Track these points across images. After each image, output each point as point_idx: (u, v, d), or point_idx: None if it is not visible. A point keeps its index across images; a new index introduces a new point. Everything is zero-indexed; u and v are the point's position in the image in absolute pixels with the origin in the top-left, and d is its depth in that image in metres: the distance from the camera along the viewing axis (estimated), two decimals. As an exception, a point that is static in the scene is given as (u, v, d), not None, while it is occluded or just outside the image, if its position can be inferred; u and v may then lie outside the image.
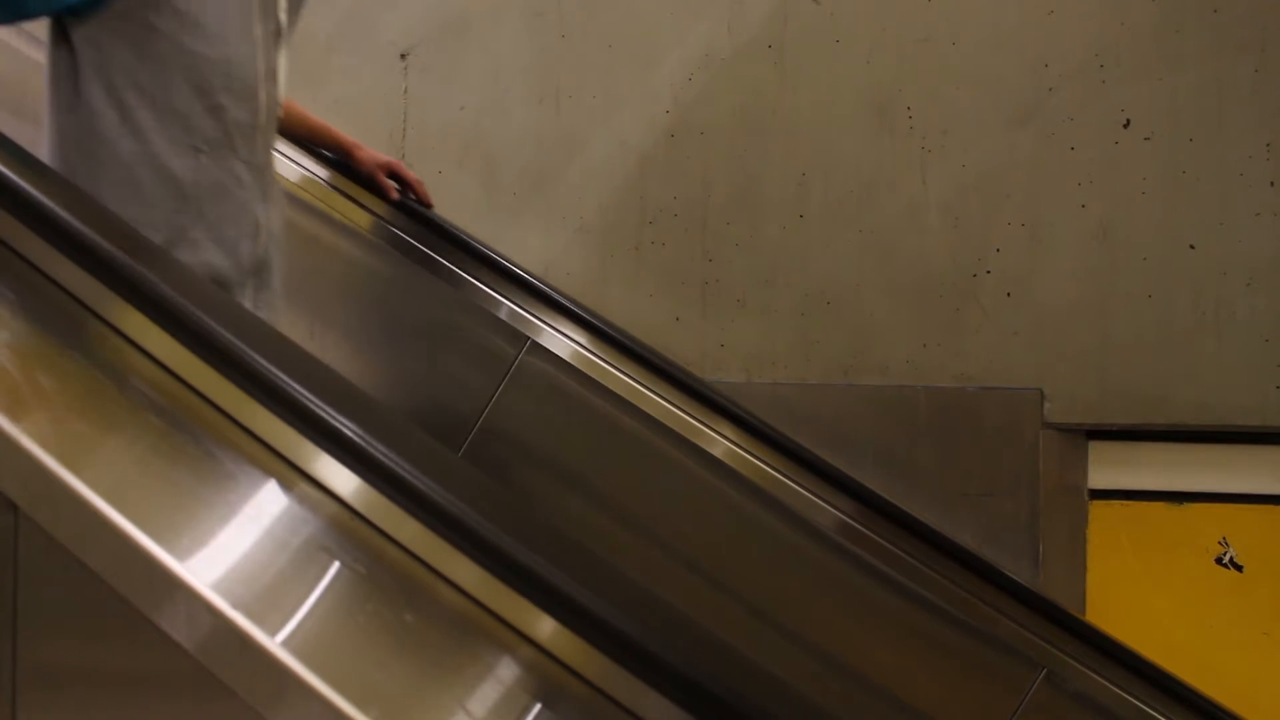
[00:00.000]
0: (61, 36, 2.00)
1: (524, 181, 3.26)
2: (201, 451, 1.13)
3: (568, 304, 3.00)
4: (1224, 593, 2.66)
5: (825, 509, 2.72)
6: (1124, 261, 2.69)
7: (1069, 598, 2.69)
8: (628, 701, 1.03)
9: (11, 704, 1.10)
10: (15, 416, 1.06)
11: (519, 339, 3.04)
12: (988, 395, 2.76)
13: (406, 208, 3.12)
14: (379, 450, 1.10)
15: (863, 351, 2.86)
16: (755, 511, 2.80)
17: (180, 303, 1.14)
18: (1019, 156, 2.77)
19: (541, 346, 3.00)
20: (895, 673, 2.69)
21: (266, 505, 1.11)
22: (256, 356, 1.14)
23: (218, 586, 0.98)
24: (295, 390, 1.13)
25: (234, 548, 1.05)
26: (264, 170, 2.18)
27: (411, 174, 2.83)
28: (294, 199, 3.34)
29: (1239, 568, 2.65)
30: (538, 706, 1.05)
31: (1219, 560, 2.66)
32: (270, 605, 1.00)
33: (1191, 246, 2.63)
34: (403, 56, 3.42)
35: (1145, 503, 2.74)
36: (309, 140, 2.89)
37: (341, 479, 1.11)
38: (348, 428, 1.12)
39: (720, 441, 2.84)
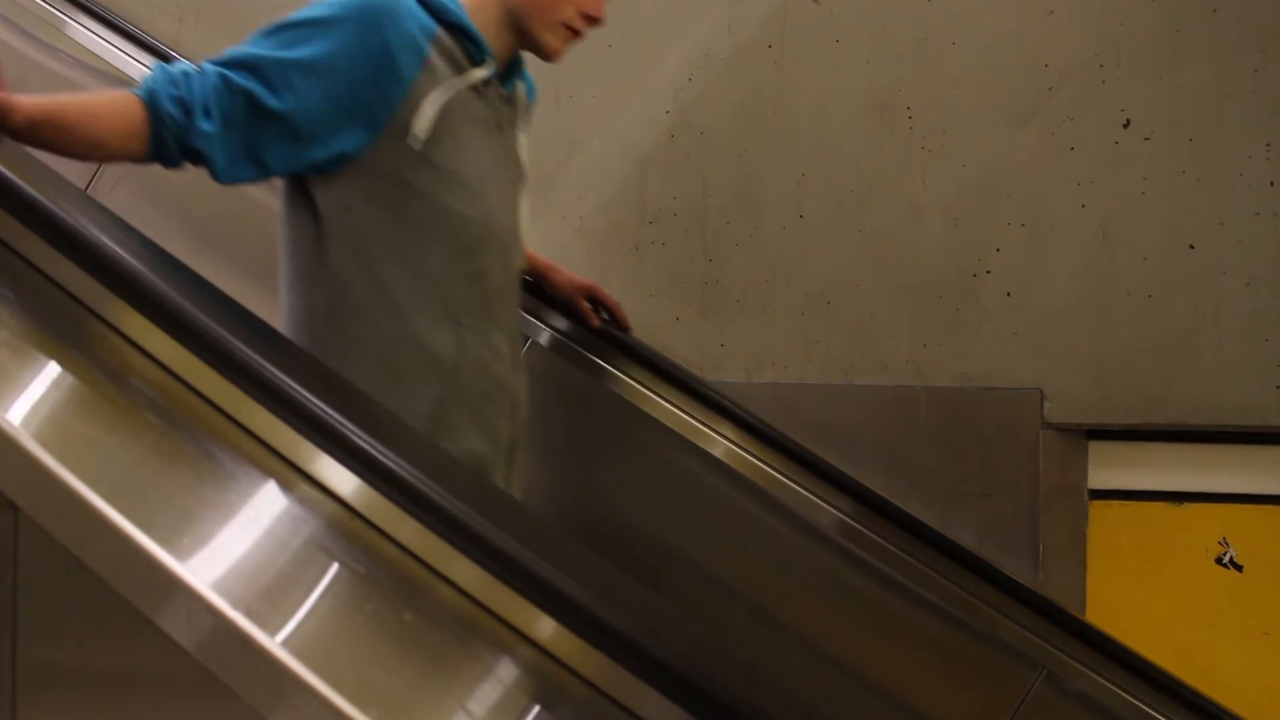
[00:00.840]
0: (302, 197, 1.79)
1: (524, 181, 3.25)
2: (201, 451, 1.13)
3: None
4: (1224, 593, 2.66)
5: (825, 509, 2.72)
6: (1124, 261, 2.69)
7: (1069, 598, 2.69)
8: (628, 701, 1.04)
9: (11, 704, 1.10)
10: (15, 416, 1.06)
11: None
12: (988, 395, 2.76)
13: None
14: (378, 450, 1.10)
15: (863, 351, 2.86)
16: (755, 511, 2.80)
17: (180, 304, 1.15)
18: (1019, 156, 2.77)
19: (541, 346, 3.01)
20: (895, 672, 2.69)
21: (266, 505, 1.11)
22: (256, 357, 1.14)
23: (218, 586, 0.98)
24: (295, 390, 1.14)
25: (234, 548, 1.05)
26: (516, 335, 1.97)
27: (610, 296, 2.60)
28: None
29: (1239, 568, 2.65)
30: (537, 707, 1.05)
31: (1219, 560, 2.66)
32: (270, 605, 1.00)
33: (1191, 246, 2.63)
34: (403, 56, 3.41)
35: (1145, 503, 2.74)
36: None
37: (341, 479, 1.11)
38: (347, 428, 1.12)
39: (720, 441, 2.84)
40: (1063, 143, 2.73)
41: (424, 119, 1.73)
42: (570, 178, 3.20)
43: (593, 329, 2.64)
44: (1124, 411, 2.68)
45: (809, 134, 2.95)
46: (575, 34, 1.96)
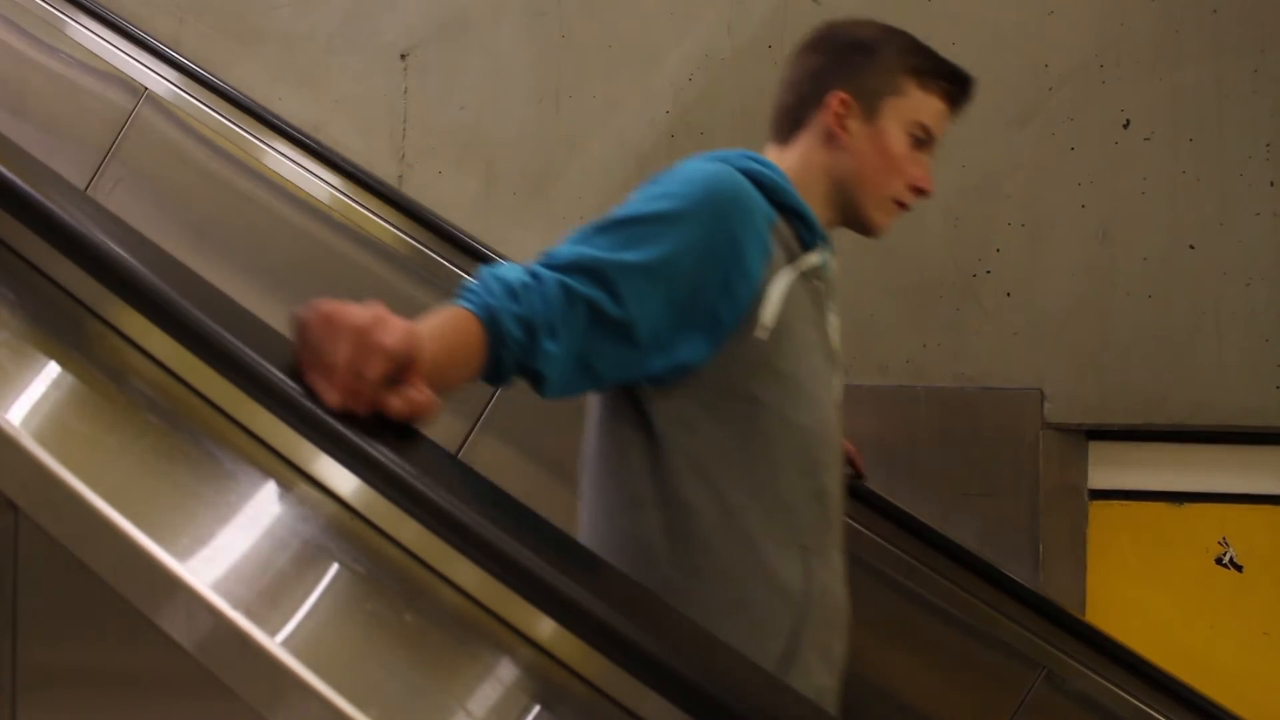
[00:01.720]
0: (631, 411, 1.57)
1: (524, 181, 3.26)
2: (201, 451, 1.13)
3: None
4: (1224, 593, 2.66)
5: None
6: (1124, 261, 2.69)
7: (1069, 598, 2.69)
8: (628, 702, 1.04)
9: (11, 704, 1.10)
10: (15, 416, 1.06)
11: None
12: (988, 395, 2.76)
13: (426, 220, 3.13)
14: (379, 450, 1.10)
15: (863, 351, 2.85)
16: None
17: (180, 304, 1.15)
18: (1019, 156, 2.77)
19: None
20: (894, 672, 2.69)
21: (266, 505, 1.11)
22: (256, 356, 1.14)
23: (218, 586, 0.98)
24: (295, 390, 1.14)
25: (234, 548, 1.05)
26: (843, 548, 1.75)
27: (850, 445, 2.24)
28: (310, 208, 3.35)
29: (1239, 568, 2.65)
30: (537, 707, 1.05)
31: (1219, 560, 2.66)
32: (270, 605, 1.00)
33: (1191, 246, 2.63)
34: (403, 56, 3.42)
35: (1145, 503, 2.74)
36: None
37: (341, 479, 1.11)
38: (347, 428, 1.12)
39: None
40: (1063, 143, 2.73)
41: (766, 320, 1.56)
42: (570, 178, 3.20)
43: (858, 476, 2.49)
44: (1124, 411, 2.68)
45: (809, 134, 2.95)
46: (903, 208, 1.79)
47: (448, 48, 3.37)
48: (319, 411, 1.12)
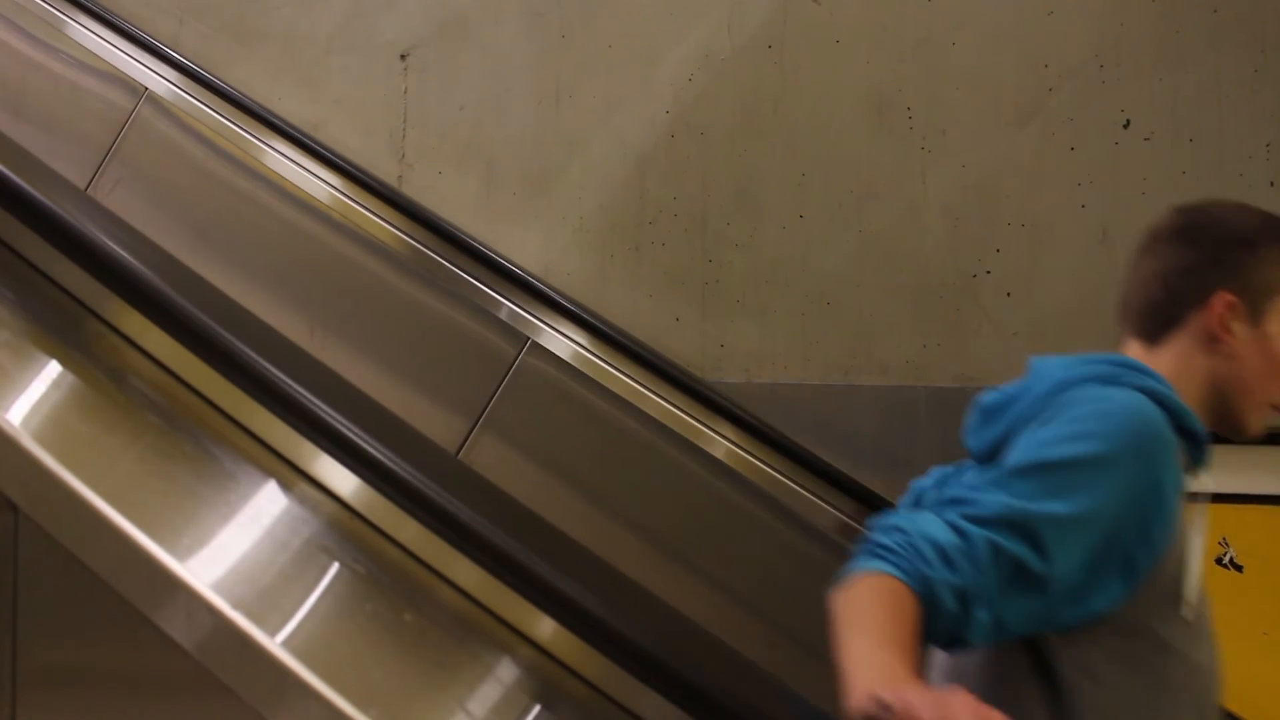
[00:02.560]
0: (1027, 657, 1.47)
1: (524, 181, 3.26)
2: (201, 451, 1.13)
3: (568, 304, 3.00)
4: (1224, 593, 2.65)
5: (825, 509, 2.72)
6: (1124, 261, 2.68)
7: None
8: (627, 701, 1.03)
9: (11, 704, 1.09)
10: (15, 416, 1.05)
11: (519, 339, 3.04)
12: (988, 395, 2.76)
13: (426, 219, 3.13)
14: (379, 450, 1.10)
15: (863, 351, 2.85)
16: (755, 511, 2.80)
17: (180, 303, 1.14)
18: (1019, 156, 2.77)
19: (542, 346, 3.01)
20: (895, 673, 2.69)
21: (266, 505, 1.11)
22: (256, 356, 1.14)
23: (218, 587, 0.98)
24: (295, 390, 1.13)
25: (234, 548, 1.05)
26: None
27: None
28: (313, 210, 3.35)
29: (1239, 568, 2.64)
30: (537, 706, 1.05)
31: (1219, 560, 2.66)
32: (270, 605, 1.00)
33: (1191, 246, 2.63)
34: (403, 56, 3.42)
35: (1145, 503, 2.74)
36: None
37: (341, 479, 1.11)
38: (347, 428, 1.12)
39: (720, 442, 2.84)
40: (1063, 143, 2.73)
41: (1192, 575, 1.47)
42: (570, 178, 3.20)
43: None
44: (1124, 411, 2.67)
45: (809, 134, 2.95)
46: (1277, 410, 1.67)
47: (448, 48, 3.37)
48: (319, 411, 1.11)
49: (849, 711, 1.11)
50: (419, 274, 3.18)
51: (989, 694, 1.43)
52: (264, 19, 3.60)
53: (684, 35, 3.09)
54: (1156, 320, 1.67)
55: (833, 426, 2.84)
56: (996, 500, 1.38)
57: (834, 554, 2.72)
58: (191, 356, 1.13)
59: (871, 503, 2.64)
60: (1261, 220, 1.64)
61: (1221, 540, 2.66)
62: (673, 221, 3.06)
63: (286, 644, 0.96)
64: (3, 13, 3.69)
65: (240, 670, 0.96)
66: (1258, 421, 1.65)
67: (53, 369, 1.14)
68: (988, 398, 1.59)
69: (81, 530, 1.00)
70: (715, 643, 1.25)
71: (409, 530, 1.08)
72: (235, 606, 0.96)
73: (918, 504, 1.58)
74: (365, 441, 1.10)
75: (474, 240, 3.13)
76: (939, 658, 1.57)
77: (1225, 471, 2.72)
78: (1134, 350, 1.65)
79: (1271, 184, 2.57)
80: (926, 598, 1.29)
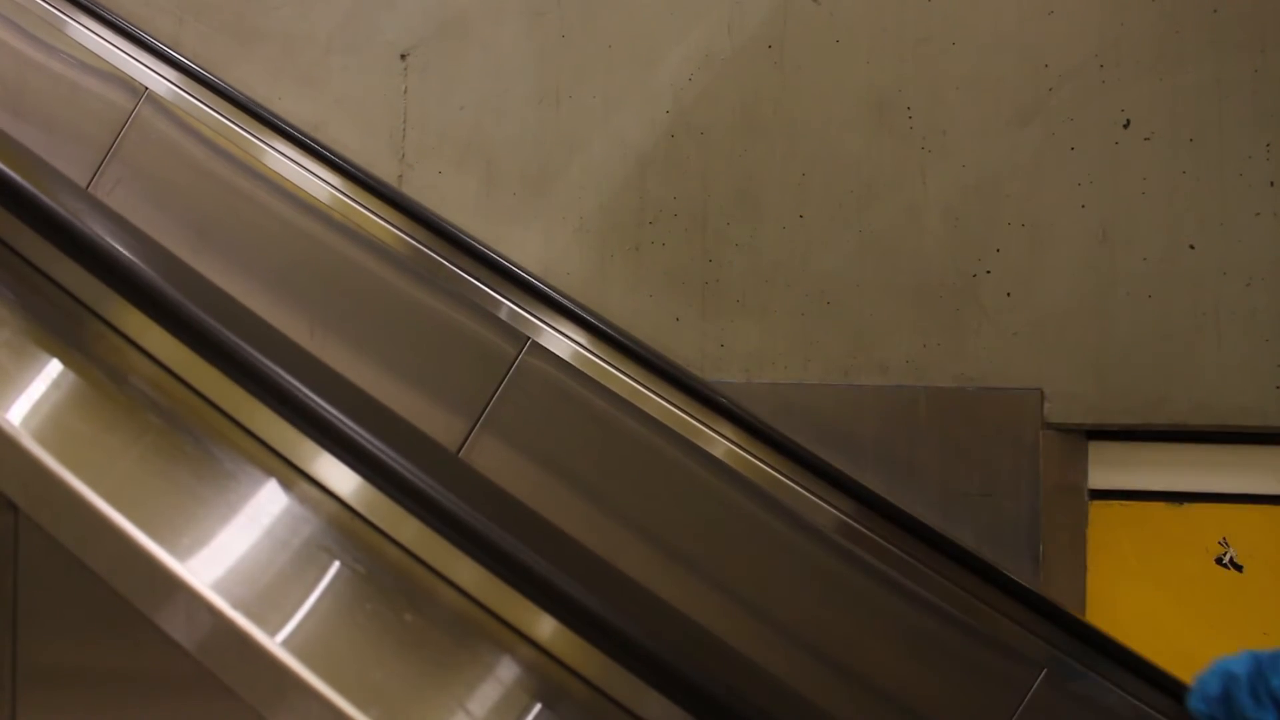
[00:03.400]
0: None
1: (524, 181, 3.26)
2: (201, 451, 1.13)
3: (568, 304, 3.00)
4: (1224, 593, 2.66)
5: (825, 509, 2.72)
6: (1124, 262, 2.69)
7: (1069, 598, 2.69)
8: (627, 701, 1.03)
9: (11, 704, 1.09)
10: (15, 416, 1.05)
11: (519, 339, 3.04)
12: (988, 395, 2.76)
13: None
14: (379, 449, 1.10)
15: (863, 351, 2.86)
16: (755, 511, 2.80)
17: (180, 301, 1.14)
18: (1019, 156, 2.77)
19: (542, 346, 3.01)
20: (895, 672, 2.69)
21: (266, 505, 1.11)
22: (255, 354, 1.14)
23: (218, 586, 0.98)
24: (295, 388, 1.13)
25: (234, 548, 1.05)
26: None
27: None
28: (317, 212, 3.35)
29: (1239, 568, 2.65)
30: (537, 706, 1.05)
31: (1219, 560, 2.66)
32: (270, 605, 1.00)
33: (1191, 246, 2.63)
34: (403, 56, 3.42)
35: (1145, 503, 2.74)
36: None
37: (341, 478, 1.11)
38: (347, 426, 1.11)
39: (720, 441, 2.84)
40: (1063, 143, 2.73)
41: None
42: (570, 178, 3.20)
43: None
44: (1124, 412, 2.68)
45: (809, 134, 2.95)
46: None
47: (448, 48, 3.37)
48: (320, 409, 1.11)
49: None
50: (419, 274, 3.18)
51: None
52: (264, 19, 3.60)
53: (684, 35, 3.09)
54: None
55: (833, 426, 2.84)
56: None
57: (834, 554, 2.72)
58: (192, 356, 1.13)
59: (872, 503, 2.64)
60: None
61: (1221, 540, 2.66)
62: (673, 221, 3.06)
63: (287, 644, 0.96)
64: (3, 13, 3.69)
65: (240, 670, 0.96)
66: None
67: (53, 369, 1.14)
68: None
69: (82, 530, 1.00)
70: (716, 642, 1.25)
71: (410, 529, 1.08)
72: (235, 606, 0.96)
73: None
74: (366, 440, 1.10)
75: (474, 240, 3.13)
76: None
77: (1225, 471, 2.73)
78: None
79: (1271, 184, 2.57)
80: None
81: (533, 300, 3.05)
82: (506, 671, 1.05)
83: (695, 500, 2.87)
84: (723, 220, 3.01)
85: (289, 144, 3.34)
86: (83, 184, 3.47)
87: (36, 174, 1.31)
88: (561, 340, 3.00)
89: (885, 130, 2.88)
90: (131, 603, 1.00)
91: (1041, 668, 2.53)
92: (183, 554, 0.99)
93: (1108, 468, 2.76)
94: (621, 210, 3.12)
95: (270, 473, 1.11)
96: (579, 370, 2.96)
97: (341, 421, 1.11)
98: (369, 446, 1.10)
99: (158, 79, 3.51)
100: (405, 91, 3.41)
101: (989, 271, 2.78)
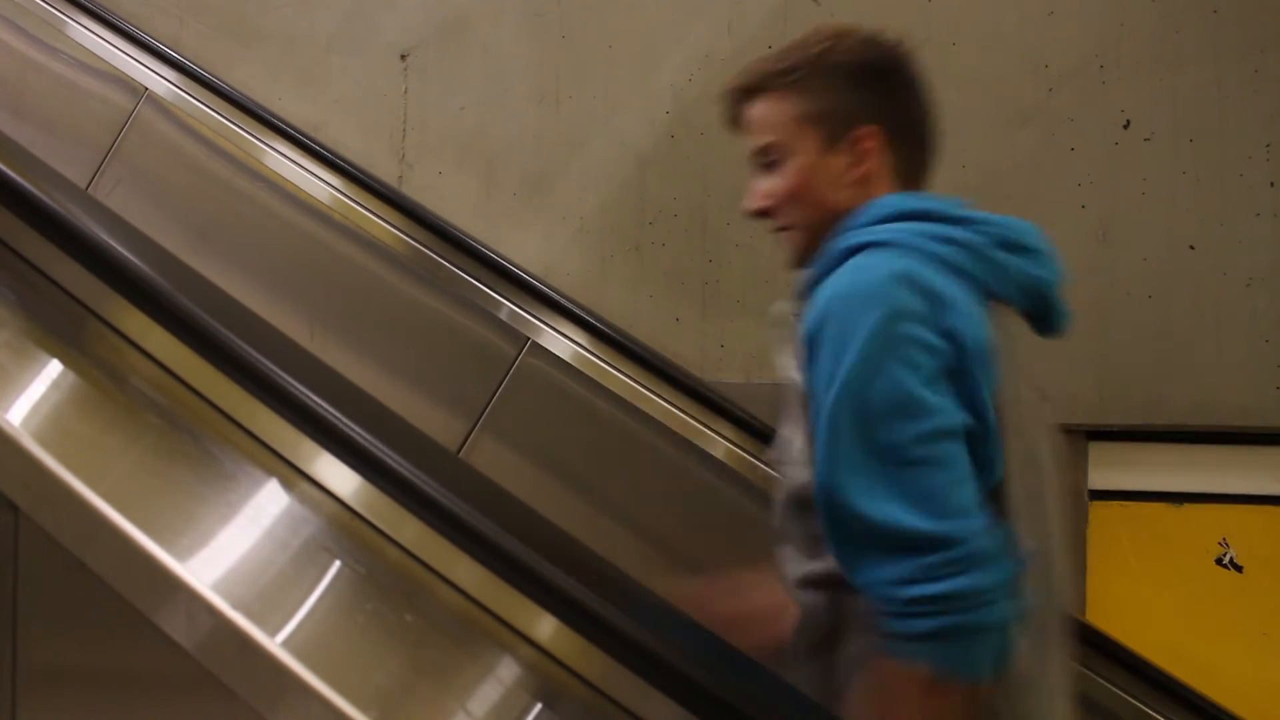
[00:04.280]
0: None
1: (524, 181, 3.26)
2: (201, 451, 1.13)
3: (568, 304, 3.00)
4: (1224, 593, 2.65)
5: (825, 509, 2.72)
6: (1124, 262, 2.68)
7: (1069, 598, 2.69)
8: (629, 701, 1.03)
9: (11, 704, 1.09)
10: (15, 416, 1.06)
11: (519, 339, 3.04)
12: (988, 395, 2.75)
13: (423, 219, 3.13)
14: (379, 449, 1.10)
15: (863, 352, 2.85)
16: (755, 511, 2.80)
17: (181, 301, 1.14)
18: (1019, 157, 2.77)
19: (542, 347, 3.01)
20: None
21: (266, 505, 1.11)
22: (256, 354, 1.14)
23: (218, 587, 0.98)
24: (295, 388, 1.13)
25: (234, 548, 1.05)
26: None
27: None
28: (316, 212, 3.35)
29: (1239, 568, 2.64)
30: (538, 706, 1.05)
31: (1219, 561, 2.66)
32: (270, 605, 1.00)
33: (1191, 247, 2.63)
34: (403, 56, 3.42)
35: (1145, 503, 2.74)
36: None
37: (341, 478, 1.11)
38: (348, 427, 1.11)
39: (720, 442, 2.84)
40: (1063, 143, 2.73)
41: None
42: (570, 178, 3.20)
43: None
44: (1124, 412, 2.67)
45: (809, 134, 2.95)
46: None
47: (448, 48, 3.37)
48: (320, 410, 1.11)
49: None
50: (419, 274, 3.18)
51: None
52: (264, 19, 3.60)
53: (684, 35, 3.09)
54: None
55: (833, 427, 2.83)
56: None
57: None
58: (192, 356, 1.13)
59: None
60: None
61: (1221, 541, 2.66)
62: (673, 221, 3.06)
63: (287, 644, 0.96)
64: (3, 13, 3.69)
65: (240, 670, 0.96)
66: None
67: (53, 369, 1.14)
68: None
69: (82, 530, 1.00)
70: (717, 642, 1.25)
71: (410, 529, 1.08)
72: (235, 607, 0.96)
73: None
74: (367, 440, 1.10)
75: (474, 240, 3.13)
76: None
77: (1225, 472, 2.73)
78: None
79: (1271, 184, 2.57)
80: None
81: (533, 300, 3.05)
82: (507, 671, 1.05)
83: (695, 500, 2.87)
84: (723, 220, 3.01)
85: (289, 144, 3.34)
86: (83, 184, 3.47)
87: (36, 174, 1.31)
88: (562, 340, 3.00)
89: (885, 130, 2.88)
90: (131, 603, 1.00)
91: (1041, 668, 2.53)
92: (183, 554, 0.99)
93: (1108, 468, 2.76)
94: (621, 210, 3.12)
95: (270, 473, 1.11)
96: (579, 370, 2.96)
97: (342, 421, 1.11)
98: (369, 446, 1.10)
99: (158, 79, 3.51)
100: (405, 92, 3.41)
101: (989, 272, 2.78)
